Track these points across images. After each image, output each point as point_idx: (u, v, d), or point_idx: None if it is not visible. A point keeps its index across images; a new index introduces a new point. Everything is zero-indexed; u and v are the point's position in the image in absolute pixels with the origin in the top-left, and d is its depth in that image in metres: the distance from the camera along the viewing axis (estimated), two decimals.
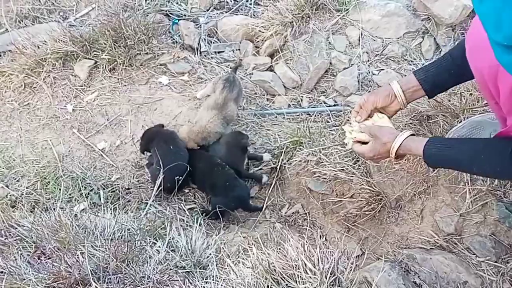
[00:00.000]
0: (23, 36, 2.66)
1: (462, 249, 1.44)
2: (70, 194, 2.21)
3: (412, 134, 1.29)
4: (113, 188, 2.25)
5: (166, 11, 2.97)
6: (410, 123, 1.64)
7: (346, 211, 1.94)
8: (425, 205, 1.61)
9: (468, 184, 1.46)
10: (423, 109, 1.62)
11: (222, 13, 3.01)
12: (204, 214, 2.10)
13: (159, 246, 1.63)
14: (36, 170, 2.32)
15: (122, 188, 2.24)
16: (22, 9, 2.93)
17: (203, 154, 2.26)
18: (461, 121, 1.47)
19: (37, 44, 2.62)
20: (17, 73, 2.57)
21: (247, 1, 3.05)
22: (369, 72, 2.61)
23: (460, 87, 1.57)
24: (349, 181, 1.88)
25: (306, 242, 1.32)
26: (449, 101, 1.56)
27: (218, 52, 2.82)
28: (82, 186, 2.23)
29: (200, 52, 2.79)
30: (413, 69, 2.64)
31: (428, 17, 2.63)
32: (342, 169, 1.88)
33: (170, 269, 1.49)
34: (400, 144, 1.27)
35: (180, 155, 2.18)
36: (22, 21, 2.92)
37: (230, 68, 2.64)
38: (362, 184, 1.79)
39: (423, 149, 1.22)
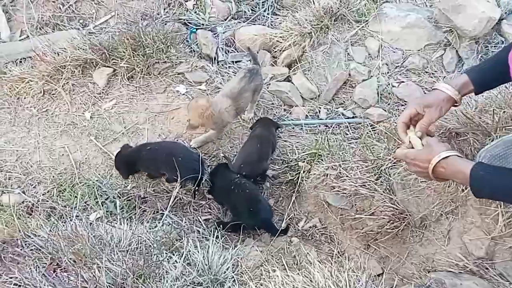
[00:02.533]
0: (43, 43, 2.69)
1: (494, 275, 1.37)
2: (85, 202, 2.20)
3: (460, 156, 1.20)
4: (128, 197, 2.24)
5: (184, 20, 2.98)
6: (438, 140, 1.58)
7: (367, 227, 1.88)
8: (452, 226, 1.54)
9: (500, 207, 1.39)
10: (452, 126, 1.56)
11: (239, 22, 3.01)
12: (220, 226, 2.06)
13: (176, 261, 1.60)
14: (53, 176, 2.33)
15: (137, 197, 2.22)
16: (43, 16, 2.97)
17: (226, 172, 2.20)
18: (493, 140, 1.41)
19: (57, 51, 2.64)
20: (37, 79, 2.59)
21: (264, 11, 3.05)
22: (389, 84, 2.57)
23: (492, 105, 1.52)
24: (371, 197, 1.82)
25: (332, 265, 1.26)
26: (480, 118, 1.50)
27: (236, 62, 2.81)
28: (98, 194, 2.22)
29: (218, 62, 2.78)
30: (434, 82, 2.59)
31: (451, 29, 2.58)
32: (364, 185, 1.83)
33: (187, 285, 1.45)
34: (445, 158, 1.16)
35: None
36: (42, 28, 2.95)
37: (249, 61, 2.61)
38: (385, 201, 1.73)
39: (470, 170, 1.11)
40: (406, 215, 1.69)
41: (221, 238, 1.82)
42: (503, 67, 1.17)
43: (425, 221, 1.64)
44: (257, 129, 2.32)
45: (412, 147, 1.30)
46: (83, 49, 2.59)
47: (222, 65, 2.78)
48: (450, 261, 1.49)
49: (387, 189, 1.76)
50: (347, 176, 1.94)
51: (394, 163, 1.73)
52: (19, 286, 1.40)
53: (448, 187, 1.54)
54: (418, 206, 1.66)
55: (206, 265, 1.61)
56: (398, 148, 1.36)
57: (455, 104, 1.32)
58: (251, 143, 2.27)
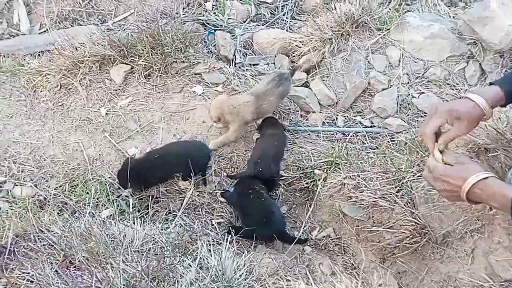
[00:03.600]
0: (62, 37, 2.68)
1: None
2: (97, 199, 2.18)
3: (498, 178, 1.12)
4: (140, 196, 2.21)
5: (202, 20, 2.96)
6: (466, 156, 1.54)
7: (384, 241, 1.83)
8: (477, 245, 1.49)
9: None
10: (482, 141, 1.51)
11: (258, 25, 2.98)
12: (233, 231, 2.02)
13: (189, 264, 1.56)
14: (66, 171, 2.31)
15: (150, 196, 2.20)
16: (63, 10, 2.97)
17: (244, 179, 2.17)
18: None
19: (75, 46, 2.63)
20: (54, 73, 2.58)
21: (283, 15, 3.02)
22: (409, 94, 2.52)
23: None
24: (390, 210, 1.78)
25: (357, 280, 1.22)
26: None
27: (253, 65, 2.78)
28: (110, 192, 2.20)
29: (235, 64, 2.75)
30: (455, 94, 2.54)
31: (475, 42, 2.53)
32: (383, 197, 1.79)
33: None
34: (483, 179, 1.08)
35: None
36: (61, 22, 2.95)
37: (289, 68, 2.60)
38: (405, 214, 1.69)
39: None
40: (428, 230, 1.64)
41: (235, 245, 1.78)
42: None
43: (448, 238, 1.59)
44: (270, 128, 2.29)
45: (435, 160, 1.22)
46: (102, 45, 2.58)
47: (240, 67, 2.76)
48: (475, 281, 1.44)
49: (408, 202, 1.72)
50: (365, 187, 1.89)
51: (419, 176, 1.68)
52: (31, 281, 1.37)
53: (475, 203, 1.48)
54: (441, 222, 1.61)
55: (220, 270, 1.57)
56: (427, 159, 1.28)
57: (483, 118, 1.26)
58: (267, 140, 2.23)
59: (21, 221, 1.71)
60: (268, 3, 3.05)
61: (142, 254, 1.57)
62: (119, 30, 2.86)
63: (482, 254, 1.48)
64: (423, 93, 2.52)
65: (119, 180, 2.15)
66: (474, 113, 1.21)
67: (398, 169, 1.82)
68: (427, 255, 1.69)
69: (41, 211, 2.08)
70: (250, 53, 2.83)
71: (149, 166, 2.12)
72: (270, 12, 3.03)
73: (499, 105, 1.27)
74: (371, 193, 1.85)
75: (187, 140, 2.35)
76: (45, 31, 2.89)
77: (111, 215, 2.09)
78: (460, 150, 1.56)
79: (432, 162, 1.23)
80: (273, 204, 2.07)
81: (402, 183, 1.79)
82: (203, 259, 1.65)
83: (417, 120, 2.43)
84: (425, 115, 2.45)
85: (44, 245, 1.58)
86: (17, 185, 2.26)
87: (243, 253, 1.88)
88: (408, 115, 2.45)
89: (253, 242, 1.99)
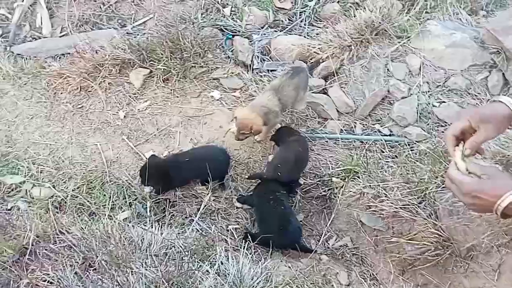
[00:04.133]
0: (83, 41, 2.72)
1: None
2: (114, 201, 2.19)
3: None
4: (157, 199, 2.21)
5: (220, 26, 2.97)
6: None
7: (404, 252, 1.79)
8: (504, 260, 1.45)
9: None
10: (511, 153, 1.47)
11: (276, 31, 2.98)
12: (250, 237, 2.01)
13: (207, 271, 1.55)
14: (83, 173, 2.32)
15: (166, 200, 2.20)
16: (84, 14, 3.02)
17: (265, 183, 2.15)
18: None
19: (96, 49, 2.67)
20: (75, 76, 2.61)
21: (301, 21, 3.02)
22: (429, 103, 2.48)
23: None
24: (411, 221, 1.74)
25: None
26: None
27: (271, 71, 2.78)
28: (127, 194, 2.21)
29: (253, 69, 2.75)
30: (477, 104, 2.49)
31: (498, 51, 2.48)
32: (404, 207, 1.75)
33: None
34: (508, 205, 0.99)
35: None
36: (82, 26, 3.00)
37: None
38: (428, 226, 1.65)
39: None
40: (451, 243, 1.60)
41: (253, 252, 1.77)
42: None
43: (473, 252, 1.55)
44: (294, 136, 2.29)
45: (457, 168, 1.09)
46: (122, 49, 2.61)
47: (257, 73, 2.75)
48: None
49: (431, 214, 1.68)
50: (386, 197, 1.86)
51: (443, 187, 1.65)
52: (51, 283, 1.38)
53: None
54: (466, 235, 1.57)
55: (238, 278, 1.55)
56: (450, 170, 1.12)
57: None
58: (290, 146, 2.22)
59: (41, 222, 1.72)
60: (286, 9, 3.05)
61: (161, 259, 1.56)
62: (138, 34, 2.89)
63: (509, 270, 1.43)
64: (444, 102, 2.48)
65: (141, 176, 2.15)
66: (502, 113, 1.11)
67: (421, 179, 1.78)
68: (450, 269, 1.64)
69: (59, 212, 2.09)
70: (267, 59, 2.83)
71: (177, 167, 2.13)
72: (288, 19, 3.03)
73: None
74: (392, 203, 1.82)
75: (212, 145, 2.35)
76: (66, 34, 2.94)
77: (127, 217, 2.10)
78: (487, 162, 1.52)
79: (454, 172, 1.11)
80: (291, 213, 2.04)
81: (425, 194, 1.75)
82: (220, 266, 1.64)
83: (438, 130, 2.39)
84: (445, 124, 2.41)
85: (63, 246, 1.58)
86: (35, 185, 2.28)
87: (260, 260, 1.87)
88: (428, 124, 2.41)
89: (270, 250, 1.97)
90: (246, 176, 2.26)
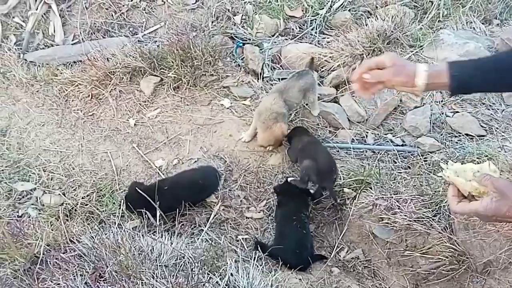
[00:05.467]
0: (95, 48, 2.75)
1: None
2: (123, 210, 2.18)
3: None
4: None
5: (231, 34, 2.98)
6: (511, 181, 1.46)
7: (418, 266, 1.75)
8: None
9: None
10: None
11: (286, 39, 2.98)
12: (260, 248, 1.98)
13: (217, 282, 1.53)
14: (93, 181, 2.33)
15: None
16: (96, 22, 3.05)
17: (292, 202, 2.11)
18: None
19: (107, 57, 2.69)
20: (86, 83, 2.64)
21: (312, 29, 3.01)
22: (443, 113, 2.45)
23: None
24: (425, 234, 1.70)
25: None
26: None
27: (281, 79, 2.76)
28: None
29: (263, 78, 2.75)
30: (491, 114, 2.45)
31: None
32: (419, 220, 1.71)
33: None
34: None
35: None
36: (94, 33, 3.03)
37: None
38: (443, 240, 1.61)
39: None
40: (467, 258, 1.56)
41: (263, 263, 1.74)
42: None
43: (489, 268, 1.50)
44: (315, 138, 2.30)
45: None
46: (133, 57, 2.62)
47: (267, 81, 2.74)
48: None
49: (446, 227, 1.64)
50: (399, 209, 1.82)
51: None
52: None
53: None
54: (482, 250, 1.53)
55: None
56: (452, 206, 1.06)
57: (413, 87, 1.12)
58: (320, 148, 2.22)
59: (52, 230, 1.71)
60: (297, 17, 3.05)
61: (171, 270, 1.54)
62: (149, 42, 2.90)
63: None
64: (458, 112, 2.44)
65: (126, 205, 2.06)
66: (410, 73, 1.11)
67: (435, 192, 1.75)
68: (466, 284, 1.60)
69: (69, 220, 2.09)
70: (278, 67, 2.82)
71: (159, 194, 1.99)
72: (298, 27, 3.02)
73: (442, 88, 1.14)
74: (405, 215, 1.78)
75: (195, 169, 2.28)
76: (78, 42, 2.97)
77: (136, 226, 2.09)
78: (505, 175, 1.48)
79: (460, 207, 1.05)
80: (309, 237, 2.01)
81: (439, 206, 1.71)
82: (231, 277, 1.61)
83: (451, 140, 2.35)
84: (459, 135, 2.37)
85: (74, 256, 1.57)
86: (46, 192, 2.29)
87: (270, 272, 1.84)
88: (441, 135, 2.37)
89: (279, 262, 1.94)
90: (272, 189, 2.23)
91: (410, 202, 1.79)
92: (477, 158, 1.91)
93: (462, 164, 1.12)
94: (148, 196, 1.94)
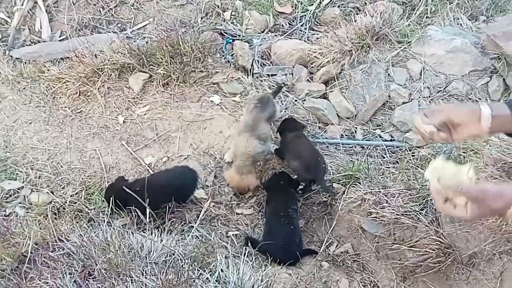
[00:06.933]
0: (82, 45, 2.71)
1: None
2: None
3: None
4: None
5: (220, 30, 2.96)
6: (495, 175, 1.49)
7: (406, 259, 1.78)
8: (506, 267, 1.44)
9: None
10: None
11: (276, 35, 2.97)
12: (250, 244, 1.99)
13: (207, 279, 1.53)
14: (82, 179, 2.31)
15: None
16: (83, 18, 3.00)
17: (280, 197, 2.13)
18: None
19: (95, 54, 2.65)
20: (74, 80, 2.60)
21: (302, 25, 3.01)
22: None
23: None
24: (413, 228, 1.73)
25: None
26: None
27: (271, 75, 2.77)
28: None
29: (253, 74, 2.74)
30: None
31: (499, 56, 2.48)
32: (406, 214, 1.74)
33: None
34: None
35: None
36: (82, 29, 2.99)
37: (272, 89, 2.54)
38: (429, 233, 1.64)
39: None
40: (453, 250, 1.59)
41: (253, 259, 1.75)
42: None
43: (474, 259, 1.54)
44: (302, 133, 2.28)
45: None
46: (122, 53, 2.59)
47: (257, 77, 2.74)
48: None
49: (433, 221, 1.67)
50: (387, 203, 1.85)
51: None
52: None
53: (505, 224, 1.43)
54: (468, 242, 1.56)
55: (239, 286, 1.54)
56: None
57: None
58: (309, 143, 2.21)
59: (40, 228, 1.70)
60: (286, 13, 3.04)
61: (161, 267, 1.55)
62: (138, 39, 2.88)
63: (511, 277, 1.42)
64: None
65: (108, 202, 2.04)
66: (472, 109, 1.09)
67: (422, 186, 1.77)
68: (452, 276, 1.63)
69: (57, 218, 2.07)
70: (268, 63, 2.81)
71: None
72: (288, 23, 3.02)
73: (509, 128, 1.11)
74: (393, 209, 1.81)
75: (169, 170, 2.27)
76: (65, 38, 2.92)
77: (125, 224, 2.08)
78: (489, 169, 1.51)
79: (446, 208, 1.06)
80: (298, 233, 2.03)
81: (426, 200, 1.74)
82: (221, 273, 1.62)
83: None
84: None
85: (62, 254, 1.56)
86: (34, 191, 2.27)
87: (260, 267, 1.85)
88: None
89: (269, 257, 1.95)
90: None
91: (398, 196, 1.82)
92: (463, 152, 1.94)
93: (447, 159, 1.12)
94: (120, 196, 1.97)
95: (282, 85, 2.54)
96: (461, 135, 1.12)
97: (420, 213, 1.71)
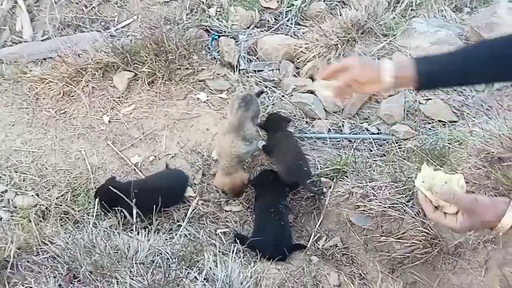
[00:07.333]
0: (65, 44, 2.66)
1: None
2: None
3: None
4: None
5: (206, 26, 2.94)
6: (479, 165, 1.50)
7: (394, 251, 1.79)
8: (490, 256, 1.45)
9: None
10: (495, 150, 1.48)
11: (262, 31, 2.96)
12: (239, 241, 1.99)
13: (195, 277, 1.52)
14: (68, 180, 2.27)
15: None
16: (66, 17, 2.95)
17: (270, 193, 2.11)
18: None
19: (78, 53, 2.61)
20: (57, 80, 2.56)
21: (288, 20, 3.00)
22: (416, 101, 2.49)
23: None
24: (400, 220, 1.74)
25: None
26: None
27: (258, 71, 2.76)
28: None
29: (239, 70, 2.73)
30: (463, 100, 2.51)
31: None
32: (393, 206, 1.75)
33: None
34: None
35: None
36: (64, 29, 2.94)
37: (255, 91, 2.52)
38: (416, 224, 1.65)
39: None
40: (439, 241, 1.61)
41: (242, 255, 1.74)
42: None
43: (460, 249, 1.56)
44: (288, 132, 2.26)
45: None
46: (105, 52, 2.56)
47: (244, 73, 2.73)
48: None
49: (419, 212, 1.68)
50: (374, 196, 1.86)
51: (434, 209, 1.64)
52: None
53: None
54: (453, 232, 1.57)
55: (227, 283, 1.53)
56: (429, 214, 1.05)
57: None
58: (293, 144, 2.20)
59: (24, 232, 1.67)
60: (272, 9, 3.03)
61: (147, 267, 1.53)
62: (122, 37, 2.84)
63: (496, 265, 1.44)
64: (431, 99, 2.49)
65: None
66: (376, 69, 1.13)
67: (408, 178, 1.78)
68: (439, 266, 1.65)
69: (43, 221, 2.04)
70: (254, 59, 2.80)
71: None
72: (274, 18, 3.01)
73: (409, 86, 1.14)
74: (380, 202, 1.82)
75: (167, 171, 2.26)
76: (48, 38, 2.87)
77: (112, 225, 2.06)
78: (472, 160, 1.52)
79: (435, 216, 1.05)
80: (288, 228, 2.02)
81: (412, 192, 1.75)
82: (209, 271, 1.61)
83: (425, 127, 2.40)
84: (432, 121, 2.42)
85: (47, 258, 1.54)
86: (18, 194, 2.22)
87: (249, 264, 1.85)
88: (415, 122, 2.41)
89: (258, 253, 1.95)
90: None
91: (384, 189, 1.82)
92: (448, 143, 1.95)
93: (434, 170, 1.11)
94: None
95: (262, 91, 2.51)
96: (365, 91, 1.18)
97: (406, 205, 1.72)
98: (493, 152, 1.48)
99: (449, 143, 1.92)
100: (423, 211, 1.70)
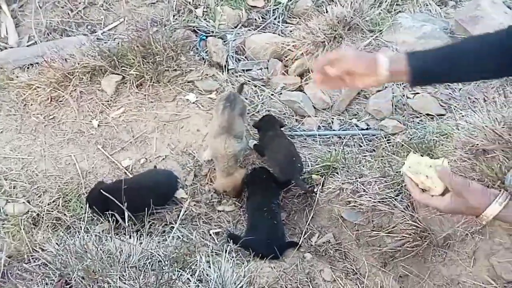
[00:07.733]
0: (51, 49, 2.65)
1: None
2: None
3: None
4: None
5: (193, 27, 2.93)
6: (464, 157, 1.53)
7: (385, 245, 1.81)
8: (478, 247, 1.48)
9: None
10: (479, 142, 1.50)
11: (249, 30, 2.96)
12: (232, 241, 1.99)
13: (188, 279, 1.53)
14: (59, 186, 2.26)
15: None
16: (52, 22, 2.93)
17: (262, 192, 2.11)
18: None
19: (65, 58, 2.59)
20: (44, 86, 2.54)
21: (275, 19, 3.01)
22: (404, 95, 2.51)
23: None
24: (390, 214, 1.76)
25: None
26: (510, 135, 1.44)
27: (246, 70, 2.76)
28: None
29: (228, 70, 2.73)
30: (450, 93, 2.53)
31: None
32: (382, 201, 1.77)
33: None
34: (497, 215, 0.99)
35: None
36: (50, 33, 2.92)
37: (236, 87, 2.50)
38: (405, 218, 1.67)
39: None
40: (428, 233, 1.63)
41: (234, 255, 1.75)
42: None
43: (449, 241, 1.58)
44: (280, 131, 2.27)
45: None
46: (92, 56, 2.54)
47: (232, 73, 2.73)
48: (478, 283, 1.42)
49: (408, 206, 1.70)
50: (364, 191, 1.87)
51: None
52: None
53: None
54: (442, 224, 1.60)
55: (220, 284, 1.54)
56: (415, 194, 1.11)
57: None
58: (285, 142, 2.20)
59: (14, 240, 1.66)
60: (259, 7, 3.04)
61: (140, 270, 1.53)
62: (109, 40, 2.82)
63: (484, 256, 1.46)
64: (418, 93, 2.51)
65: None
66: (372, 61, 1.11)
67: (397, 172, 1.80)
68: (429, 258, 1.67)
69: (34, 228, 2.03)
70: (242, 58, 2.81)
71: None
72: (261, 17, 3.01)
73: (402, 80, 1.14)
74: (370, 197, 1.83)
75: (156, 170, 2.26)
76: (33, 44, 2.85)
77: (105, 229, 2.05)
78: (458, 153, 1.55)
79: (423, 197, 1.10)
80: (281, 227, 2.03)
81: (401, 186, 1.77)
82: (202, 272, 1.62)
83: (413, 121, 2.42)
84: (420, 115, 2.44)
85: (38, 265, 1.54)
86: (9, 201, 2.21)
87: (243, 263, 1.86)
88: (403, 116, 2.44)
89: (251, 252, 1.96)
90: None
91: (374, 184, 1.84)
92: (436, 137, 1.97)
93: (421, 156, 1.16)
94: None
95: (244, 83, 2.51)
96: (356, 85, 1.16)
97: (395, 199, 1.74)
98: (477, 145, 1.50)
99: (436, 137, 1.94)
100: (412, 204, 1.73)
